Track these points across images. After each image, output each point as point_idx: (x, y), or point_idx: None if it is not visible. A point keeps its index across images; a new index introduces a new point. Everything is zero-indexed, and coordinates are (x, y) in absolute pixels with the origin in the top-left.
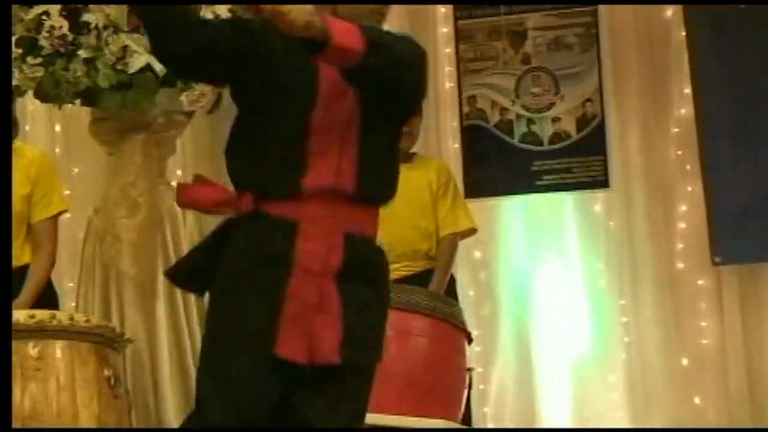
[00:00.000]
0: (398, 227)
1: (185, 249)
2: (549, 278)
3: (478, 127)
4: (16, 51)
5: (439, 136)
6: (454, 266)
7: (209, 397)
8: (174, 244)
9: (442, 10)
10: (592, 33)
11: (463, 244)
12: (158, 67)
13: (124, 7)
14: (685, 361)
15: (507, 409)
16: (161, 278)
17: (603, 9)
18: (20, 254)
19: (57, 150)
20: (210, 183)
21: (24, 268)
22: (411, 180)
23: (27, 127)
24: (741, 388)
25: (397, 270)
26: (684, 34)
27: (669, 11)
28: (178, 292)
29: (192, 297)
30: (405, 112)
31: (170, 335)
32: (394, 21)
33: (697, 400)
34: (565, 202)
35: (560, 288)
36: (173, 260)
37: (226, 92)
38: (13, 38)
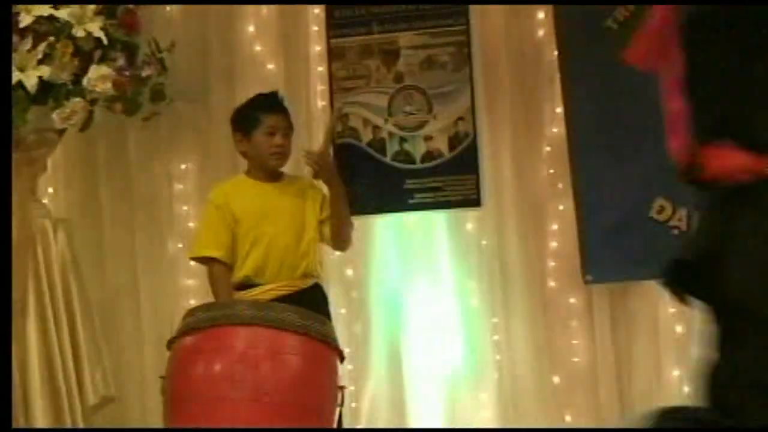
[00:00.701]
0: (275, 247)
1: (56, 267)
2: (421, 296)
3: (351, 146)
4: None
5: None
6: (326, 284)
7: None
8: (45, 262)
9: (315, 28)
10: (465, 52)
11: (335, 262)
12: (29, 84)
13: None
14: (556, 379)
15: (379, 426)
16: (31, 292)
17: (475, 28)
18: None
19: None
20: (735, 150)
21: None
22: (284, 200)
23: None
24: (612, 405)
25: (274, 290)
26: (556, 53)
27: (541, 31)
28: (50, 310)
29: (63, 315)
30: None
31: (40, 355)
32: (267, 40)
33: (568, 418)
34: (438, 220)
35: (432, 306)
36: (44, 278)
37: (98, 110)
38: None
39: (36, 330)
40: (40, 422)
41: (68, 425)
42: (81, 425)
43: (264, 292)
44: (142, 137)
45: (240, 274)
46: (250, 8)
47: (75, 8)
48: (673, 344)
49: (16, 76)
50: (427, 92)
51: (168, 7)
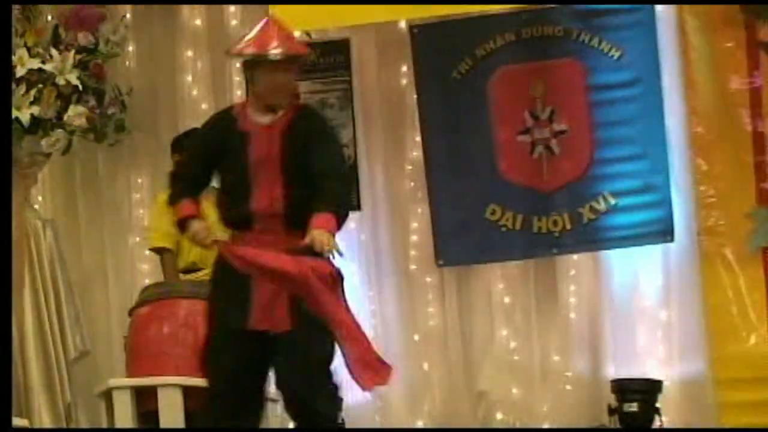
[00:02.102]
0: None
1: (45, 256)
2: None
3: None
4: None
5: None
6: None
7: None
8: (37, 252)
9: (237, 78)
10: (348, 96)
11: None
12: (24, 120)
13: None
14: (416, 337)
15: None
16: (26, 276)
17: (355, 78)
18: None
19: None
20: None
21: None
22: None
23: None
24: (457, 356)
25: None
26: (415, 97)
27: (404, 80)
28: (40, 286)
29: (50, 291)
30: None
31: (34, 320)
32: (201, 87)
33: (425, 366)
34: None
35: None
36: (36, 264)
37: (75, 138)
38: None
39: (30, 303)
40: (35, 371)
41: (55, 373)
42: (65, 374)
43: (205, 275)
44: (109, 158)
45: (188, 260)
46: (188, 62)
47: (58, 62)
48: (502, 311)
49: (13, 113)
50: None
51: (127, 61)
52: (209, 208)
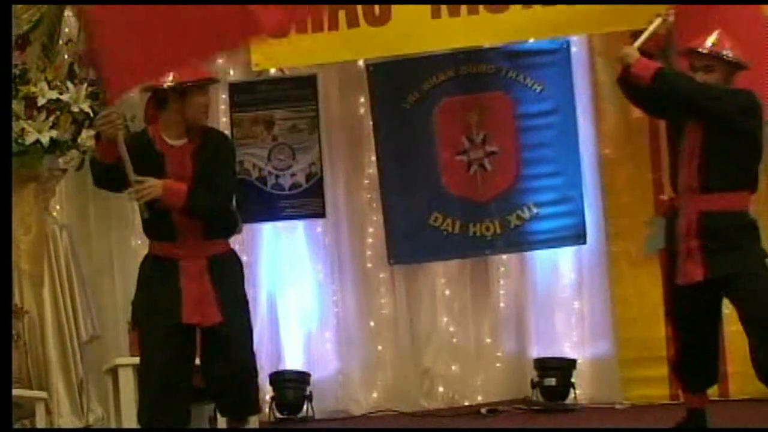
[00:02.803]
0: None
1: (62, 255)
2: (290, 273)
3: (245, 180)
4: None
5: None
6: None
7: None
8: (55, 252)
9: (222, 107)
10: (315, 122)
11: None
12: (44, 141)
13: (22, 100)
14: (372, 323)
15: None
16: (46, 272)
17: (321, 107)
18: None
19: None
20: None
21: None
22: None
23: None
24: (406, 339)
25: None
26: (371, 123)
27: (362, 109)
28: (57, 280)
29: (65, 284)
30: None
31: (52, 309)
32: None
33: (379, 348)
34: (299, 227)
35: (297, 279)
36: (54, 262)
37: (87, 157)
38: None
39: (49, 294)
40: (53, 352)
41: (70, 353)
42: (78, 354)
43: None
44: None
45: None
46: None
47: (73, 94)
48: (443, 302)
49: (35, 136)
50: (292, 147)
51: (132, 92)
52: None
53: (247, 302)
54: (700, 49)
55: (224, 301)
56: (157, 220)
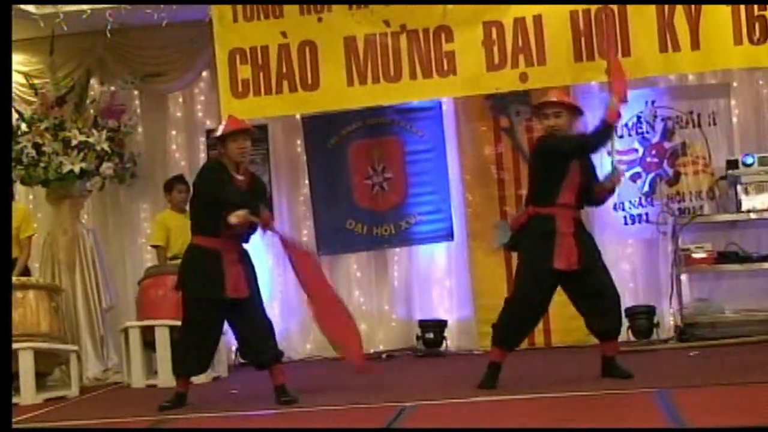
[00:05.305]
0: (188, 239)
1: (88, 250)
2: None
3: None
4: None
5: None
6: None
7: None
8: (83, 249)
9: (201, 146)
10: (267, 157)
11: None
12: (76, 170)
13: (60, 142)
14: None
15: None
16: (77, 262)
17: (271, 145)
18: (14, 252)
19: (30, 206)
20: None
21: (15, 259)
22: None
23: (16, 196)
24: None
25: None
26: (305, 158)
27: (299, 148)
28: (85, 268)
29: (92, 272)
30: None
31: (82, 288)
32: (181, 150)
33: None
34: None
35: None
36: (83, 256)
37: (107, 182)
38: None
39: (79, 279)
40: (82, 317)
41: (94, 318)
42: (100, 318)
43: None
44: (126, 194)
45: (172, 252)
46: (172, 137)
47: (96, 137)
48: (356, 281)
49: (69, 167)
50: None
51: (137, 137)
52: (177, 219)
53: (258, 282)
54: (552, 99)
55: (249, 281)
56: (210, 221)
